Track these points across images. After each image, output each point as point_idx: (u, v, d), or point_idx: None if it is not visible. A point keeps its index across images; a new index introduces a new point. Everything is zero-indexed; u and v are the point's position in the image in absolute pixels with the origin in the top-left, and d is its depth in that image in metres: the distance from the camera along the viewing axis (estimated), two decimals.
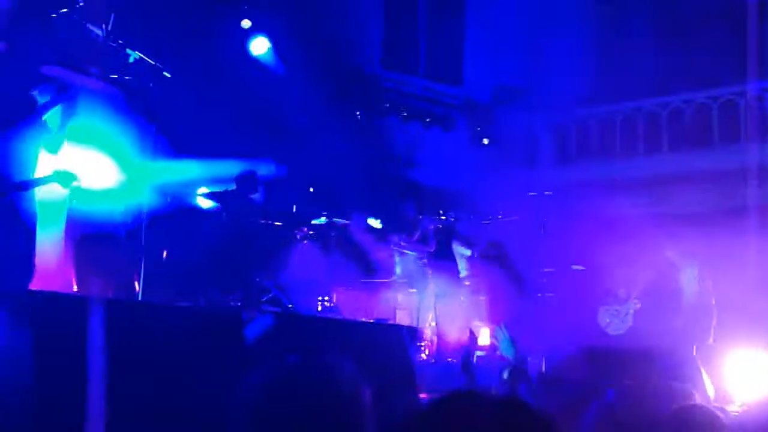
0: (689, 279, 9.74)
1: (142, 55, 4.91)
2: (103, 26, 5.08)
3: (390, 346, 4.88)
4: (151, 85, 4.88)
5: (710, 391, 6.34)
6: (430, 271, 9.98)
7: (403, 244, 10.07)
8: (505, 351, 5.07)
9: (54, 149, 5.41)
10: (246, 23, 10.56)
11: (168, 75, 4.88)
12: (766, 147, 11.83)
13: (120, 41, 4.96)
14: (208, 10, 10.11)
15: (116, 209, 6.53)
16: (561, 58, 14.61)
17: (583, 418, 3.95)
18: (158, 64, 4.88)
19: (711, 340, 9.21)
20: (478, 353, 9.77)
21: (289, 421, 1.69)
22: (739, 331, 8.22)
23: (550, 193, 9.81)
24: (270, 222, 9.47)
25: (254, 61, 10.81)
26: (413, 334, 8.56)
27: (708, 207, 11.23)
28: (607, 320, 10.14)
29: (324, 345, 4.31)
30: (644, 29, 15.23)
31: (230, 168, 9.63)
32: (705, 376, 6.51)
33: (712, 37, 14.22)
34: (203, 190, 9.25)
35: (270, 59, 10.94)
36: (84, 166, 5.81)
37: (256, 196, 9.21)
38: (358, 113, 12.45)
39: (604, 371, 5.55)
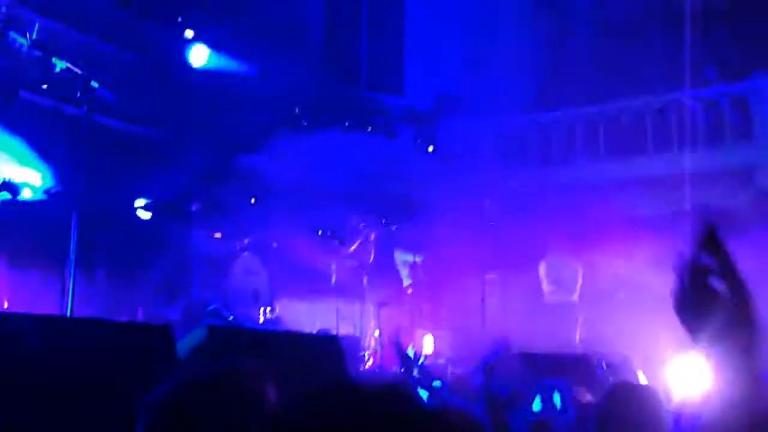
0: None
1: (69, 65, 4.80)
2: (27, 35, 4.96)
3: (327, 356, 4.84)
4: (78, 95, 4.79)
5: None
6: (366, 280, 9.99)
7: (342, 252, 10.06)
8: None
9: None
10: (189, 33, 10.48)
11: (96, 85, 4.79)
12: (697, 154, 12.14)
13: (45, 51, 4.85)
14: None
15: (48, 219, 6.40)
16: (501, 66, 14.79)
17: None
18: (86, 74, 4.78)
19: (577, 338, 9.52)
20: (421, 361, 9.78)
21: (188, 422, 1.68)
22: (679, 336, 8.37)
23: (490, 200, 9.90)
24: (210, 233, 9.38)
25: (196, 71, 10.73)
26: (354, 344, 8.57)
27: (645, 211, 11.44)
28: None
29: (255, 357, 4.26)
30: (583, 37, 15.51)
31: (172, 179, 9.52)
32: (642, 378, 6.63)
33: (648, 45, 14.55)
34: (141, 201, 9.13)
35: (214, 65, 10.86)
36: (16, 176, 5.69)
37: (194, 207, 9.13)
38: (304, 123, 12.41)
39: (540, 375, 5.62)
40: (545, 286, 10.28)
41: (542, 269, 10.36)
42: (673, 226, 10.71)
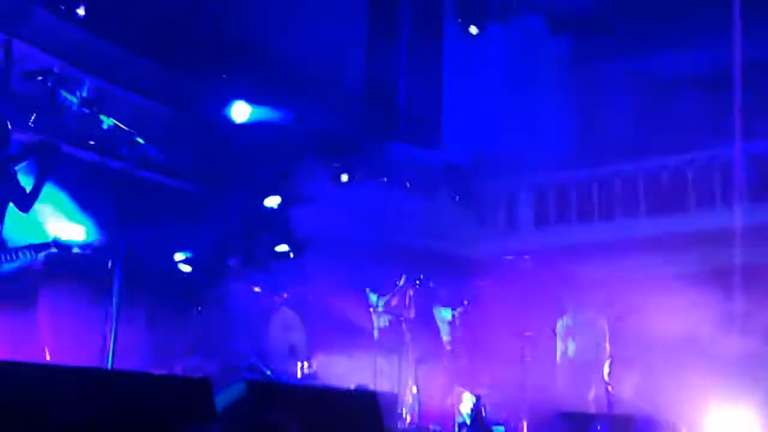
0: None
1: (116, 122, 4.93)
2: (78, 93, 5.12)
3: (365, 413, 4.80)
4: (124, 150, 4.91)
5: None
6: (408, 336, 9.92)
7: (382, 308, 10.02)
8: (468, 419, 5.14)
9: (25, 207, 5.40)
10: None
11: (141, 141, 4.92)
12: (740, 210, 11.98)
13: (94, 108, 4.99)
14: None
15: (91, 273, 6.48)
16: (540, 121, 14.81)
17: None
18: (132, 131, 4.91)
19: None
20: (459, 419, 9.64)
21: None
22: (724, 390, 8.21)
23: (529, 257, 9.82)
24: (249, 287, 9.41)
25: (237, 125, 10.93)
26: (392, 400, 8.48)
27: (687, 270, 11.27)
28: None
29: (295, 413, 4.23)
30: (622, 93, 15.51)
31: (212, 233, 9.63)
32: None
33: (688, 100, 14.51)
34: (181, 255, 9.23)
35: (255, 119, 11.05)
36: (63, 232, 5.80)
37: (233, 261, 9.20)
38: (343, 176, 12.52)
39: None
40: (561, 344, 10.10)
41: (560, 326, 10.18)
42: (713, 283, 10.54)
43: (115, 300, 4.90)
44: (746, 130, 13.02)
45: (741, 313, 9.89)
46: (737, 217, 11.95)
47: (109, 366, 5.09)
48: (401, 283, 9.99)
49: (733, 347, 9.28)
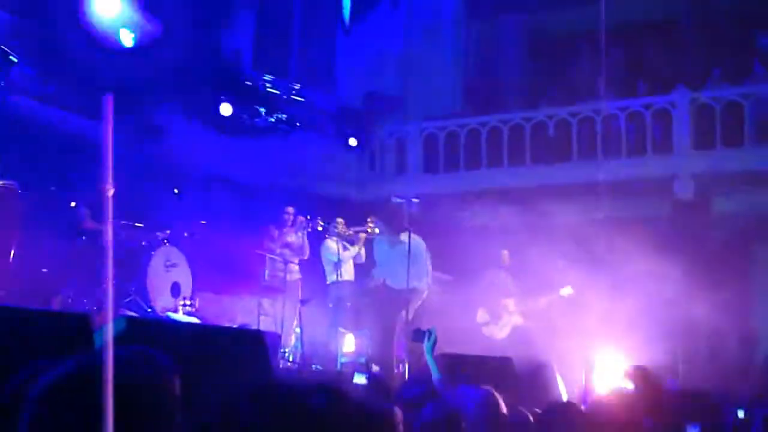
0: None
1: None
2: None
3: (246, 352, 4.75)
4: None
5: (564, 394, 6.59)
6: (297, 277, 9.92)
7: (273, 248, 9.96)
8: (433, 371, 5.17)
9: None
10: None
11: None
12: (617, 162, 12.44)
13: None
14: None
15: None
16: (433, 70, 14.90)
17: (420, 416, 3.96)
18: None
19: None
20: (342, 360, 9.74)
21: (84, 415, 1.56)
22: (598, 333, 8.60)
23: (418, 200, 9.91)
24: (131, 223, 9.14)
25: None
26: (275, 341, 8.47)
27: (567, 218, 11.67)
28: (487, 320, 10.44)
29: (171, 349, 4.16)
30: (513, 47, 15.78)
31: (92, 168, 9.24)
32: (559, 380, 6.75)
33: (574, 57, 14.89)
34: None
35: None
36: None
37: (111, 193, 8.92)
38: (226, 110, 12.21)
39: (463, 377, 5.64)
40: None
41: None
42: (589, 233, 10.98)
43: None
44: (627, 87, 13.48)
45: (615, 265, 10.33)
46: (614, 171, 12.43)
47: None
48: (295, 223, 9.97)
49: (607, 297, 9.73)
